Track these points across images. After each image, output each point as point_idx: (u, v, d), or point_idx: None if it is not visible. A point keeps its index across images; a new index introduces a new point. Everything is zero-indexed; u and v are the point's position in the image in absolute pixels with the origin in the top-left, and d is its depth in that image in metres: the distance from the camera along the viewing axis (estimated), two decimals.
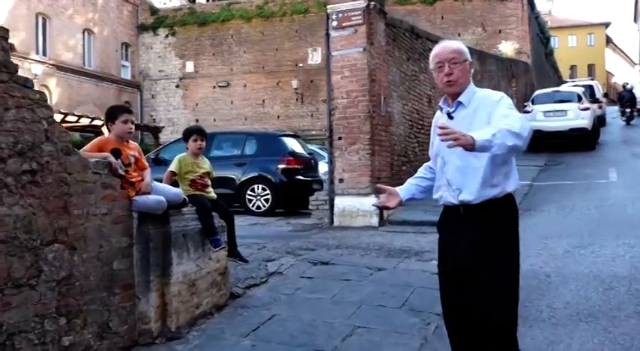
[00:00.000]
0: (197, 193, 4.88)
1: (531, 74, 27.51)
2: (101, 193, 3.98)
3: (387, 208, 3.17)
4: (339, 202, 8.75)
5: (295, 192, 10.86)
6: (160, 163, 11.57)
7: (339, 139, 8.77)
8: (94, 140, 4.29)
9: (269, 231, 8.63)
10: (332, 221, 8.78)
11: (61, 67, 27.16)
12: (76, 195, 3.79)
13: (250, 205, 10.71)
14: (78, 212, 3.79)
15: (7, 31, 3.46)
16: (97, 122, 23.28)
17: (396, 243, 7.23)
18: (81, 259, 3.81)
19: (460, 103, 2.79)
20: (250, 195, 10.77)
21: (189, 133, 5.11)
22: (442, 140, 2.44)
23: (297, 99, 28.83)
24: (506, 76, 21.57)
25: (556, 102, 15.83)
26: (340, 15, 8.66)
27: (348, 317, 4.62)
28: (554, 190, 10.71)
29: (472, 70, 2.90)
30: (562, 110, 15.39)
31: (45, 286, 3.55)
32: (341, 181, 8.74)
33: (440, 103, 2.98)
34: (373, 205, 3.27)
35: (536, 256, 6.23)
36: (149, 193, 4.27)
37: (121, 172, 4.16)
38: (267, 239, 7.34)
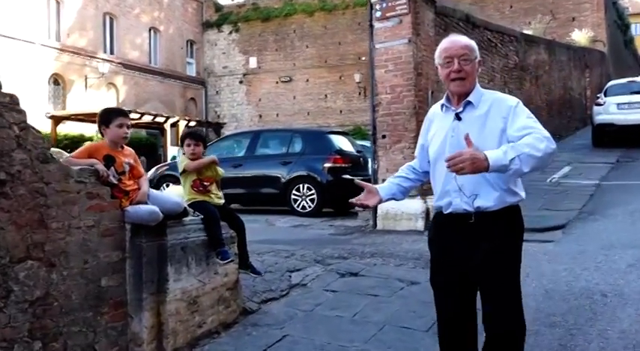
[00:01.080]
0: (203, 199, 4.46)
1: (607, 64, 25.88)
2: (86, 203, 3.63)
3: (366, 206, 2.97)
4: (383, 204, 8.16)
5: (342, 191, 10.33)
6: None
7: (383, 137, 8.22)
8: (85, 145, 3.95)
9: (308, 234, 8.18)
10: (375, 224, 8.25)
11: (128, 65, 27.67)
12: (55, 207, 3.44)
13: (295, 206, 10.29)
14: (57, 225, 3.45)
15: None
16: (159, 119, 23.59)
17: (416, 246, 6.62)
18: (60, 276, 3.47)
19: (469, 102, 2.62)
20: (296, 195, 10.35)
21: (182, 138, 4.74)
22: (451, 170, 2.33)
23: (359, 93, 28.27)
24: (579, 67, 20.27)
25: (632, 93, 14.57)
26: (384, 5, 8.09)
27: (367, 341, 4.12)
28: (624, 191, 9.72)
29: (479, 70, 2.73)
30: (638, 102, 14.13)
31: (15, 308, 3.22)
32: (385, 181, 8.16)
33: (443, 101, 2.78)
34: (350, 202, 2.97)
35: (594, 269, 5.51)
36: (145, 203, 3.90)
37: (114, 180, 3.80)
38: (301, 245, 6.88)
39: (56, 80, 25.05)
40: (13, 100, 3.29)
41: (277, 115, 30.37)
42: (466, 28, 10.12)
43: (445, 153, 2.54)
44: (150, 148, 25.32)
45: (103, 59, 26.10)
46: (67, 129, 23.29)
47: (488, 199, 2.56)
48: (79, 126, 23.71)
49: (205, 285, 4.26)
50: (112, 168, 3.83)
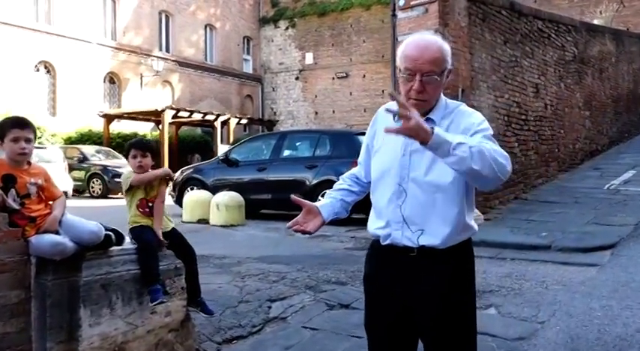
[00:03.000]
0: (147, 223, 3.73)
1: None
2: None
3: (306, 233, 2.28)
4: None
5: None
6: (231, 164, 10.73)
7: None
8: None
9: (321, 249, 7.34)
10: None
11: (183, 63, 27.61)
12: None
13: None
14: None
15: None
16: (209, 117, 23.30)
17: None
18: None
19: (430, 119, 2.06)
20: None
21: (127, 148, 3.99)
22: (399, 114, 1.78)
23: None
24: None
25: None
26: None
27: None
28: None
29: (448, 79, 2.16)
30: None
31: None
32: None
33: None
34: (288, 228, 2.28)
35: (637, 308, 4.46)
36: (56, 232, 3.21)
37: (14, 205, 3.13)
38: (302, 263, 6.09)
39: (112, 79, 25.22)
40: None
41: (333, 111, 29.65)
42: (510, 17, 8.98)
43: (393, 173, 2.10)
44: (204, 145, 25.13)
45: (158, 57, 26.09)
46: (121, 127, 23.34)
47: (437, 237, 2.06)
48: (132, 124, 23.77)
49: (137, 328, 3.53)
50: (13, 190, 3.15)
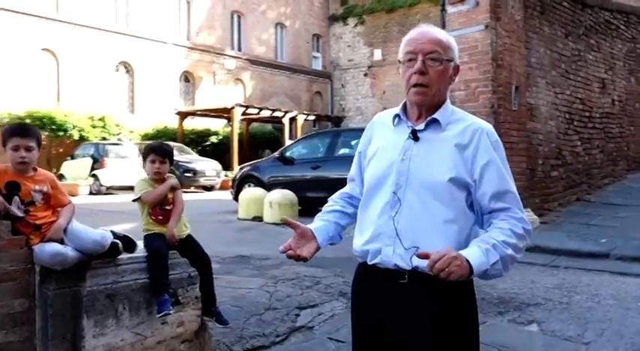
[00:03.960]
0: (161, 230, 3.55)
1: None
2: None
3: (302, 259, 1.89)
4: None
5: None
6: (287, 162, 10.55)
7: None
8: None
9: None
10: None
11: (254, 61, 27.76)
12: None
13: None
14: None
15: None
16: (278, 114, 23.29)
17: (502, 284, 5.22)
18: None
19: (435, 120, 1.82)
20: None
21: (147, 151, 3.79)
22: (433, 273, 1.59)
23: None
24: None
25: None
26: None
27: None
28: None
29: (454, 80, 1.90)
30: None
31: None
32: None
33: (398, 111, 1.93)
34: (281, 252, 1.86)
35: None
36: (60, 240, 3.07)
37: (18, 213, 3.01)
38: (340, 268, 5.77)
39: (186, 77, 25.67)
40: None
41: None
42: (573, 9, 8.28)
43: (389, 181, 1.82)
44: (275, 141, 25.19)
45: (230, 56, 26.36)
46: (194, 124, 23.73)
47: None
48: (205, 121, 24.11)
49: (146, 339, 3.35)
50: (16, 197, 3.04)
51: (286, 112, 23.61)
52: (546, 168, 7.70)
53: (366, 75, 30.49)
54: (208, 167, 18.87)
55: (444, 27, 6.84)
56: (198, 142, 23.13)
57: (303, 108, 28.02)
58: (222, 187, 18.38)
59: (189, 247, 3.66)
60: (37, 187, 3.11)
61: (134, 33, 22.90)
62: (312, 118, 26.63)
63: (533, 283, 5.24)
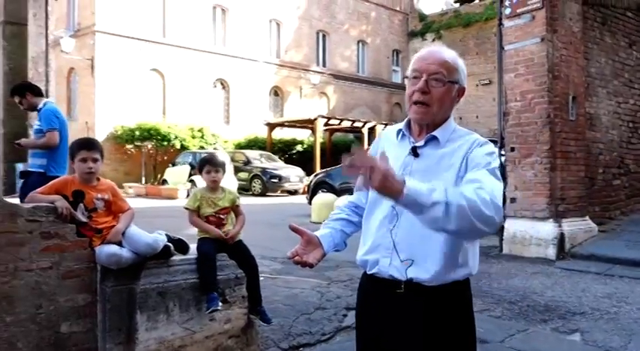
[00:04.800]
0: (206, 235, 3.59)
1: None
2: (41, 244, 3.01)
3: (308, 265, 1.81)
4: (510, 225, 6.49)
5: None
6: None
7: (512, 150, 6.50)
8: (54, 180, 3.32)
9: None
10: (501, 248, 6.58)
11: (337, 76, 27.87)
12: None
13: None
14: None
15: None
16: (357, 124, 23.23)
17: (551, 292, 4.89)
18: (2, 323, 2.90)
19: (434, 138, 1.75)
20: None
21: (201, 164, 3.82)
22: (345, 172, 1.45)
23: None
24: None
25: None
26: (515, 0, 6.37)
27: None
28: None
29: (458, 101, 1.80)
30: None
31: None
32: (513, 200, 6.47)
33: (401, 127, 1.85)
34: (288, 259, 1.79)
35: None
36: (119, 243, 3.18)
37: (82, 218, 3.14)
38: None
39: (276, 92, 26.15)
40: None
41: (477, 117, 28.19)
42: (636, 18, 7.68)
43: None
44: None
45: (315, 71, 26.61)
46: (282, 134, 24.12)
47: (427, 270, 1.66)
48: (291, 131, 24.45)
49: (195, 333, 3.39)
50: (81, 204, 3.17)
51: (365, 123, 23.51)
52: (607, 177, 7.17)
53: None
54: (292, 173, 19.12)
55: (501, 41, 6.55)
56: (285, 150, 23.50)
57: (382, 118, 27.81)
58: (305, 192, 18.54)
59: (239, 251, 3.67)
60: (99, 196, 3.22)
61: (230, 53, 23.62)
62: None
63: (584, 292, 4.88)
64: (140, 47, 20.85)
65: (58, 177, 3.57)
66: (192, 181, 17.40)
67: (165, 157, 20.35)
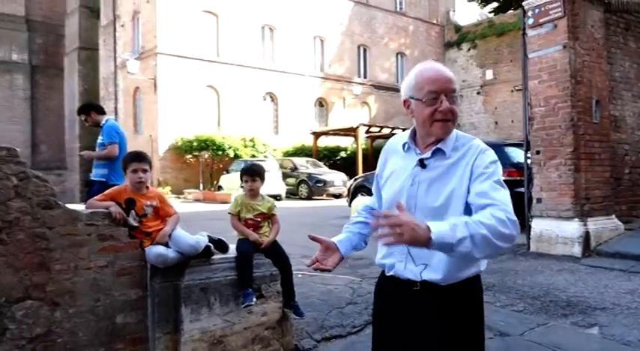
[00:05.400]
0: (246, 237, 3.69)
1: None
2: (98, 245, 3.20)
3: (326, 270, 1.90)
4: (536, 225, 6.35)
5: (517, 206, 8.48)
6: None
7: (537, 153, 6.36)
8: (110, 189, 3.50)
9: None
10: (529, 246, 6.44)
11: (378, 86, 27.80)
12: (60, 249, 3.07)
13: None
14: (61, 267, 3.07)
15: None
16: (397, 131, 23.06)
17: (574, 288, 4.77)
18: (65, 314, 3.09)
19: (440, 150, 1.77)
20: None
21: (240, 174, 3.94)
22: (378, 237, 1.51)
23: None
24: None
25: None
26: (537, 10, 6.24)
27: None
28: None
29: None
30: None
31: (11, 344, 2.92)
32: (539, 201, 6.33)
33: (406, 140, 1.88)
34: (308, 267, 1.90)
35: None
36: (165, 244, 3.32)
37: (134, 222, 3.31)
38: None
39: (320, 103, 26.31)
40: (10, 154, 2.97)
41: (512, 121, 27.48)
42: None
43: (394, 197, 1.78)
44: None
45: (357, 83, 26.64)
46: (327, 142, 24.24)
47: (438, 271, 1.70)
48: (335, 139, 24.54)
49: (234, 325, 3.50)
50: (133, 211, 3.33)
51: (404, 129, 23.24)
52: (634, 176, 6.90)
53: (478, 93, 29.28)
54: (336, 178, 19.19)
55: (525, 49, 6.43)
56: (330, 157, 23.59)
57: None
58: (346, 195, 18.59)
59: (274, 251, 3.76)
60: (148, 203, 3.38)
61: (278, 68, 23.95)
62: None
63: (606, 288, 4.73)
64: (197, 66, 21.43)
65: (117, 185, 3.76)
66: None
67: (221, 165, 20.80)
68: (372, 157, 23.64)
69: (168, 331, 3.32)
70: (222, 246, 3.65)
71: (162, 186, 19.69)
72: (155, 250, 3.25)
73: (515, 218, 1.56)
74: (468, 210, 1.68)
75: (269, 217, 3.85)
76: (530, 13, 6.30)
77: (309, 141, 23.52)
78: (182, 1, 21.17)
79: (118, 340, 3.26)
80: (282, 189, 18.24)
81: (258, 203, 3.85)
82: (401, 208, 1.52)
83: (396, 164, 1.90)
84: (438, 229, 1.48)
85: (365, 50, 27.74)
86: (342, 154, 23.95)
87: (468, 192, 1.68)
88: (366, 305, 4.47)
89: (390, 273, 1.82)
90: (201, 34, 21.74)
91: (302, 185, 19.21)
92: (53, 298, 3.06)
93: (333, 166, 22.25)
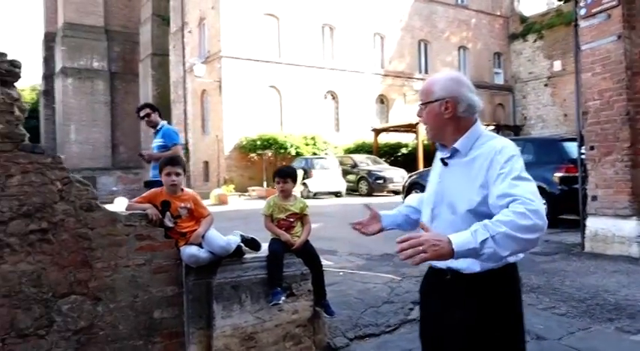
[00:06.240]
0: (276, 237, 3.74)
1: None
2: (136, 244, 3.36)
3: (364, 233, 2.15)
4: (592, 223, 6.00)
5: (574, 203, 8.04)
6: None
7: (592, 148, 6.01)
8: (148, 192, 3.64)
9: None
10: (583, 246, 6.10)
11: None
12: (101, 248, 3.26)
13: None
14: (102, 265, 3.26)
15: (12, 104, 3.11)
16: None
17: (625, 290, 4.48)
18: (107, 309, 3.28)
19: (456, 149, 1.86)
20: None
21: (273, 176, 3.97)
22: (402, 258, 1.54)
23: None
24: None
25: None
26: (589, 0, 5.89)
27: None
28: None
29: (452, 112, 1.83)
30: None
31: (57, 336, 3.14)
32: (594, 198, 5.98)
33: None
34: (350, 224, 2.17)
35: None
36: (199, 244, 3.44)
37: (169, 223, 3.45)
38: None
39: (381, 99, 26.10)
40: (55, 160, 3.19)
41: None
42: None
43: (431, 200, 1.91)
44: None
45: (418, 79, 26.17)
46: (388, 138, 24.02)
47: (462, 261, 1.73)
48: (396, 135, 24.27)
49: (265, 322, 3.57)
50: (168, 212, 3.47)
51: None
52: None
53: (546, 85, 27.99)
54: (396, 175, 18.98)
55: (577, 42, 6.09)
56: (391, 153, 23.37)
57: (485, 119, 26.64)
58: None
59: (305, 251, 3.79)
60: (182, 205, 3.50)
61: (338, 67, 23.98)
62: (491, 127, 25.19)
63: None
64: (259, 67, 21.86)
65: None
66: (304, 184, 17.90)
67: (283, 163, 21.08)
68: (433, 154, 23.10)
69: (201, 327, 3.44)
70: (254, 244, 3.73)
71: (227, 184, 20.27)
72: (188, 251, 3.36)
73: (536, 207, 1.53)
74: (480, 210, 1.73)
75: (301, 217, 3.88)
76: (582, 4, 5.95)
77: (369, 138, 23.41)
78: (244, 6, 21.66)
79: (156, 333, 3.41)
80: (342, 186, 18.28)
81: (290, 204, 3.89)
82: (425, 228, 1.62)
83: (435, 163, 2.04)
84: (459, 238, 1.54)
85: (425, 45, 27.21)
86: (403, 150, 23.65)
87: (487, 189, 1.70)
88: (402, 305, 4.42)
89: (430, 264, 1.92)
90: (263, 37, 22.14)
91: (362, 182, 19.15)
92: (95, 293, 3.25)
93: (394, 162, 22.02)
